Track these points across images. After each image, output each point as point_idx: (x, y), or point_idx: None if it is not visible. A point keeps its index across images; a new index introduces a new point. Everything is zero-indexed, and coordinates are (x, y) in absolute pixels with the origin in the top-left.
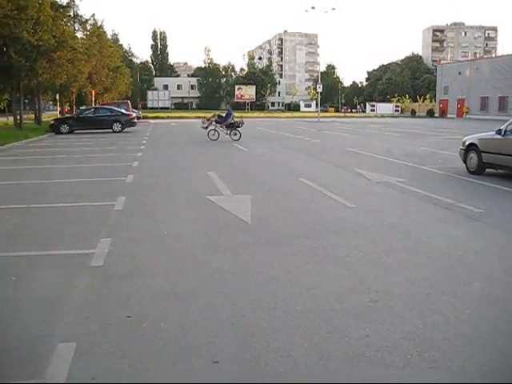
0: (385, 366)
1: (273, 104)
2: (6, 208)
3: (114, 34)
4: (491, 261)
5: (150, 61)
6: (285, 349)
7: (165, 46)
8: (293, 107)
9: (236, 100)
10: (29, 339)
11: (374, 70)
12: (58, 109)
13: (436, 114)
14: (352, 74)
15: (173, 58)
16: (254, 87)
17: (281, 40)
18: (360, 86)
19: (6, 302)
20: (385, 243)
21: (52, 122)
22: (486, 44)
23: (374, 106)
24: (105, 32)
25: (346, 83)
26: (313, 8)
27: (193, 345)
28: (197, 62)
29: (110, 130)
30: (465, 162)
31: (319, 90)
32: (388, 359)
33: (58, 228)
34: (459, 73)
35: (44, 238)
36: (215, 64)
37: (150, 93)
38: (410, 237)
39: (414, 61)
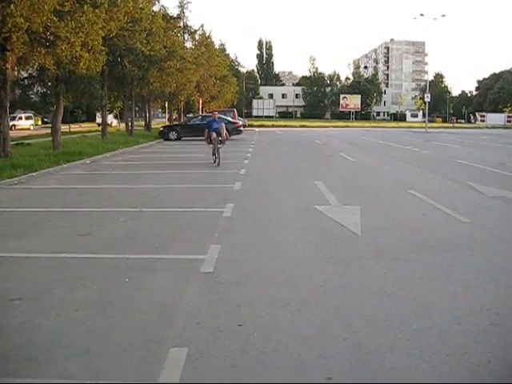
0: None
1: (378, 113)
2: (119, 211)
3: (222, 44)
4: None
5: (255, 70)
6: (401, 369)
7: (270, 56)
8: (399, 117)
9: (341, 109)
10: (143, 341)
11: (484, 79)
12: (167, 116)
13: None
14: (461, 83)
15: (278, 67)
16: (359, 96)
17: (387, 48)
18: (469, 95)
19: (121, 302)
20: (504, 262)
21: (161, 129)
22: None
23: (483, 116)
24: (212, 42)
25: (455, 93)
26: (421, 15)
27: (306, 358)
28: (302, 70)
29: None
30: None
31: (427, 99)
32: None
33: (168, 232)
34: None
35: (156, 241)
36: (320, 73)
37: (255, 101)
38: None
39: None
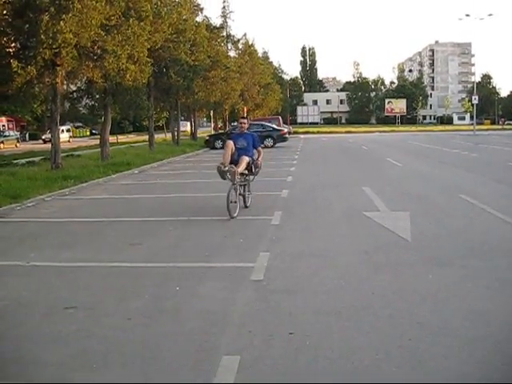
0: None
1: (424, 117)
2: (168, 220)
3: (265, 52)
4: None
5: (299, 77)
6: (457, 378)
7: (314, 62)
8: (445, 120)
9: (386, 114)
10: (195, 349)
11: None
12: (212, 125)
13: None
14: (510, 83)
15: (322, 73)
16: (404, 100)
17: (432, 51)
18: None
19: (172, 311)
20: None
21: (207, 138)
22: None
23: None
24: (256, 50)
25: (503, 93)
26: (467, 16)
27: (358, 367)
28: (345, 76)
29: (262, 145)
30: None
31: (475, 101)
32: None
33: (217, 240)
34: None
35: (205, 250)
36: (364, 78)
37: (299, 108)
38: None
39: None
